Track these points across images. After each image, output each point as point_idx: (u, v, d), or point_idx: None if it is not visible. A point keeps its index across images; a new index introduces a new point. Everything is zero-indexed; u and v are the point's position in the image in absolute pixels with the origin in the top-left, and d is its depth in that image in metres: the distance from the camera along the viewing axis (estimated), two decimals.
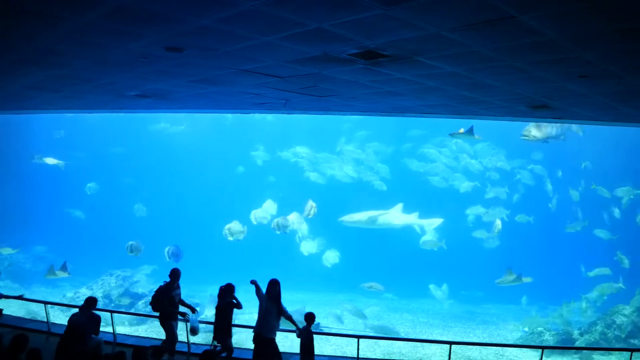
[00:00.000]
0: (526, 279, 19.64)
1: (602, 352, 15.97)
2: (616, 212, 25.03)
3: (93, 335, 9.51)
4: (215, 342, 9.98)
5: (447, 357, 10.48)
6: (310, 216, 23.02)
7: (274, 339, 9.43)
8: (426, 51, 6.30)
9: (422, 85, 8.27)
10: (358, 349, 11.33)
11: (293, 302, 24.91)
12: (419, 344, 16.32)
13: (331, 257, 26.09)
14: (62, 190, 32.69)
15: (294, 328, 9.58)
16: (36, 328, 12.34)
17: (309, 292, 26.79)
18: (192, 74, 8.26)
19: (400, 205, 23.55)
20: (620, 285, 20.32)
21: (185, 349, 11.06)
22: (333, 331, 17.56)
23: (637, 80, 7.23)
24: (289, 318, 9.47)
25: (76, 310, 10.12)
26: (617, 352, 15.53)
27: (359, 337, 11.53)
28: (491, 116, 11.36)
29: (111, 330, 12.78)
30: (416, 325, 21.34)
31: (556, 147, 22.54)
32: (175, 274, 10.37)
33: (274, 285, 9.46)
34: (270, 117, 33.45)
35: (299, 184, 31.24)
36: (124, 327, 17.40)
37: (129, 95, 10.82)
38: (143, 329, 18.49)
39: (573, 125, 18.95)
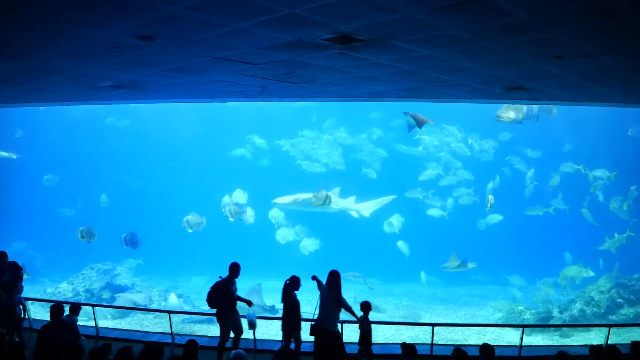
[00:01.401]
0: (471, 265, 20.17)
1: (581, 328, 16.28)
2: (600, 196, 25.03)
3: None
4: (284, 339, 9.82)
5: (430, 339, 10.58)
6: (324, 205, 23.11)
7: (339, 332, 9.35)
8: (401, 35, 6.28)
9: (398, 69, 8.26)
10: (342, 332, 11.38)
11: (273, 289, 25.06)
12: (402, 327, 16.46)
13: (309, 244, 26.12)
14: (37, 186, 32.23)
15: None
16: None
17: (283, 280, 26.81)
18: (165, 62, 8.13)
19: (337, 190, 22.77)
20: (588, 271, 20.42)
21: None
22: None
23: (609, 59, 7.31)
24: (349, 309, 9.36)
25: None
26: (595, 328, 15.85)
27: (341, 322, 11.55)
28: (468, 99, 11.41)
29: (93, 324, 12.69)
30: (399, 309, 21.51)
31: (526, 128, 22.43)
32: (235, 269, 9.96)
33: (334, 276, 9.34)
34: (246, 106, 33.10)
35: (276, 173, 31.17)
36: (107, 321, 17.25)
37: (102, 87, 10.63)
38: (126, 322, 18.36)
39: (544, 106, 19.03)
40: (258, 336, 11.13)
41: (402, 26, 5.89)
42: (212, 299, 9.98)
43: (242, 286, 26.39)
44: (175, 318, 16.49)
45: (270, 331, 15.25)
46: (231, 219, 23.03)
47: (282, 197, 22.06)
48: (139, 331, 14.75)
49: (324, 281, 9.51)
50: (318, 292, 9.54)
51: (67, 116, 33.09)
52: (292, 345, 9.81)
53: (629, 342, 7.96)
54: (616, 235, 21.77)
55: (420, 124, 15.81)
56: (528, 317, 18.14)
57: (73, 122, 33.79)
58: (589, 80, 8.96)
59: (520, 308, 18.73)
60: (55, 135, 34.72)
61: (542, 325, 16.87)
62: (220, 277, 10.01)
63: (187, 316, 17.78)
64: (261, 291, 20.24)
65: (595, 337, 14.94)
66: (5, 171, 31.49)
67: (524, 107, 17.71)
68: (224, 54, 7.46)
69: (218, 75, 9.25)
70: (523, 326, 12.52)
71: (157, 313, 18.39)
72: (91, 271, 22.94)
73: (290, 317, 9.71)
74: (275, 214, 26.06)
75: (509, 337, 15.47)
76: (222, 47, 7.04)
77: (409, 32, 6.16)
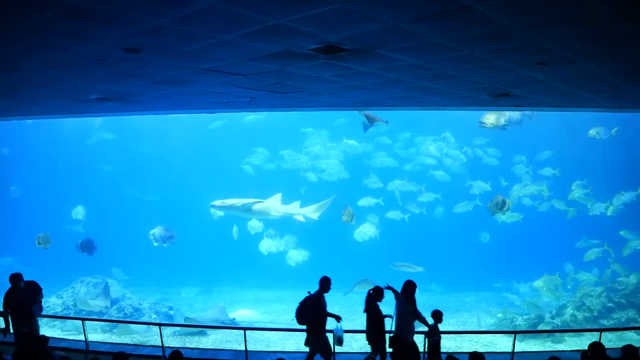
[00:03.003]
0: (419, 268, 20.56)
1: (573, 333, 16.33)
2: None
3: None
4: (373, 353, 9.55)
5: (423, 347, 10.57)
6: (352, 222, 23.11)
7: (415, 342, 9.25)
8: (386, 44, 6.34)
9: (385, 78, 8.32)
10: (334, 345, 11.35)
11: (265, 300, 25.02)
12: None
13: (295, 255, 26.02)
14: (26, 200, 32.11)
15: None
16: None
17: (281, 290, 26.82)
18: (153, 74, 8.13)
19: (278, 195, 22.04)
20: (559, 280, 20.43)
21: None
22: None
23: (593, 64, 7.41)
24: (423, 319, 9.28)
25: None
26: (587, 332, 15.91)
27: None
28: (455, 106, 11.50)
29: (83, 338, 12.57)
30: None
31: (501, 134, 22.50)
32: (326, 284, 9.50)
33: (410, 286, 9.26)
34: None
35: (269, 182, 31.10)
36: (97, 334, 17.10)
37: (90, 99, 10.60)
38: (116, 334, 18.19)
39: (526, 112, 19.14)
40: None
41: (387, 35, 5.95)
42: (301, 315, 9.58)
43: (236, 297, 26.16)
44: (166, 331, 16.39)
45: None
46: (155, 244, 22.75)
47: (222, 200, 20.97)
48: (129, 344, 14.64)
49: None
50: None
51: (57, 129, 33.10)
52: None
53: (621, 347, 8.02)
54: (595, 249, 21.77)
55: (372, 122, 16.34)
56: (520, 322, 18.17)
57: (66, 134, 33.82)
58: (574, 86, 9.07)
59: (511, 315, 18.78)
60: (43, 148, 34.65)
61: (534, 331, 16.90)
62: (308, 292, 9.63)
63: (177, 329, 17.66)
64: (225, 310, 20.09)
65: (587, 342, 15.00)
66: None
67: (507, 113, 17.82)
68: (211, 65, 7.48)
69: (206, 87, 9.26)
70: (515, 332, 12.53)
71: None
72: (81, 284, 22.74)
73: (375, 328, 9.46)
74: (253, 224, 25.94)
75: (502, 344, 15.51)
76: (209, 59, 7.06)
77: (393, 41, 6.23)
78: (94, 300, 20.70)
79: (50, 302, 20.91)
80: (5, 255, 27.03)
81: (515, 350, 10.88)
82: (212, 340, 17.39)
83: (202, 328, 17.67)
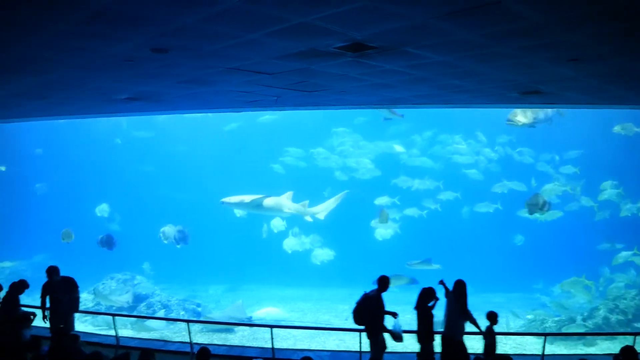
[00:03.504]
0: (435, 266, 20.40)
1: (605, 337, 15.93)
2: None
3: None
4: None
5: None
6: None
7: (463, 342, 9.21)
8: (413, 41, 6.25)
9: (412, 75, 8.22)
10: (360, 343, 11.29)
11: (291, 298, 25.06)
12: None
13: (321, 254, 26.03)
14: (59, 199, 32.85)
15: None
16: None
17: (307, 288, 26.88)
18: (179, 74, 8.19)
19: (289, 193, 22.00)
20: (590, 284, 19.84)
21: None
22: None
23: (626, 61, 7.18)
24: (474, 321, 9.20)
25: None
26: (620, 336, 15.50)
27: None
28: (483, 104, 11.32)
29: (114, 333, 12.78)
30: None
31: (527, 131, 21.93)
32: (385, 283, 9.46)
33: (461, 285, 9.24)
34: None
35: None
36: (127, 330, 17.37)
37: (119, 99, 10.75)
38: (146, 330, 18.44)
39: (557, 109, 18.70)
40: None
41: (415, 32, 5.86)
42: (359, 314, 9.49)
43: (262, 295, 26.41)
44: (194, 327, 16.52)
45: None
46: (165, 242, 22.90)
47: (231, 197, 21.22)
48: (158, 340, 14.81)
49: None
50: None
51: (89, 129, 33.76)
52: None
53: None
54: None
55: (389, 114, 17.73)
56: (550, 324, 17.83)
57: (96, 134, 34.46)
58: (607, 83, 8.82)
59: (541, 317, 18.44)
60: (76, 149, 35.37)
61: (565, 334, 16.56)
62: (365, 292, 9.55)
63: (205, 325, 17.81)
64: (243, 308, 20.16)
65: (620, 346, 14.63)
66: (23, 185, 32.25)
67: (537, 110, 17.40)
68: (237, 65, 7.49)
69: (232, 86, 9.29)
70: (545, 334, 12.29)
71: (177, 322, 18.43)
72: (111, 281, 23.17)
73: (425, 327, 9.39)
74: (276, 223, 26.04)
75: (531, 346, 15.23)
76: (235, 58, 7.07)
77: (421, 38, 6.13)
78: (115, 296, 21.11)
79: (82, 298, 21.31)
80: (39, 252, 27.66)
81: (545, 353, 10.65)
82: (239, 337, 17.53)
83: (229, 325, 17.80)
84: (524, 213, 20.88)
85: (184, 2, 4.80)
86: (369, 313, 9.39)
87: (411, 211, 27.39)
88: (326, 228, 27.50)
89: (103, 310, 19.66)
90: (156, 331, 17.61)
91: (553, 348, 15.21)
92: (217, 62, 7.31)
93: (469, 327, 9.31)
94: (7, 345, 8.52)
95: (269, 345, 11.50)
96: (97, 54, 6.74)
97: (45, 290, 10.89)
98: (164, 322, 18.77)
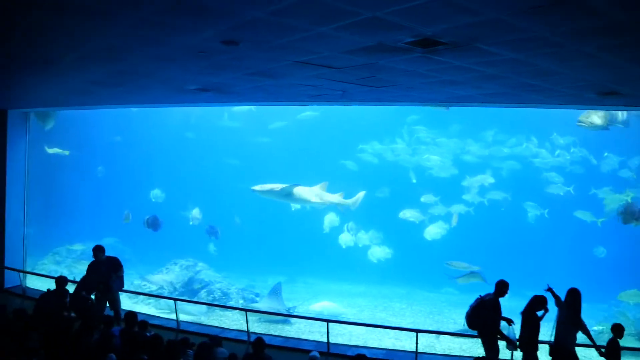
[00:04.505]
0: (474, 268, 20.14)
1: None
2: None
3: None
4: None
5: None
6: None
7: (575, 353, 9.05)
8: (485, 37, 6.06)
9: (481, 73, 7.99)
10: (417, 344, 11.19)
11: (349, 294, 25.06)
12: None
13: (378, 252, 25.89)
14: (129, 186, 34.19)
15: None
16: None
17: (366, 285, 26.82)
18: (248, 66, 8.32)
19: (324, 184, 21.51)
20: None
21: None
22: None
23: None
24: (588, 333, 8.93)
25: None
26: None
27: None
28: (556, 104, 10.88)
29: (175, 317, 13.21)
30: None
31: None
32: (503, 287, 9.27)
33: (575, 293, 8.95)
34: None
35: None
36: (187, 316, 17.94)
37: (189, 89, 11.06)
38: (206, 316, 18.99)
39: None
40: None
41: (487, 28, 5.68)
42: (474, 319, 9.39)
43: (320, 288, 26.58)
44: (252, 317, 16.86)
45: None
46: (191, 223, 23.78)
47: (263, 185, 20.90)
48: (217, 327, 15.22)
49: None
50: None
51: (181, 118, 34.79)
52: None
53: None
54: None
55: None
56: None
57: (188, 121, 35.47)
58: None
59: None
60: (153, 138, 36.61)
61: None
62: (480, 295, 9.46)
63: (263, 315, 18.11)
64: (281, 291, 20.09)
65: None
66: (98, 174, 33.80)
67: (611, 111, 16.42)
68: (305, 58, 7.53)
69: (299, 79, 9.35)
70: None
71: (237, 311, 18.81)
72: (174, 266, 23.95)
73: (530, 334, 9.15)
74: (331, 217, 26.05)
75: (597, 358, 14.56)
76: (303, 51, 7.10)
77: (493, 34, 5.93)
78: (158, 277, 21.99)
79: (147, 280, 22.22)
80: (109, 235, 28.94)
81: None
82: (295, 330, 17.72)
83: (286, 317, 18.04)
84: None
85: None
86: (485, 317, 9.21)
87: (458, 208, 26.82)
88: (385, 224, 27.36)
89: (166, 294, 20.36)
90: (192, 315, 18.09)
91: None
92: (285, 55, 7.37)
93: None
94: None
95: (324, 340, 11.57)
96: (168, 45, 6.95)
97: (91, 268, 11.43)
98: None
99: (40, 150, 26.28)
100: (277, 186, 20.58)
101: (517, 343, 9.20)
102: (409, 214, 26.48)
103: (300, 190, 20.90)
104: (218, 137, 35.89)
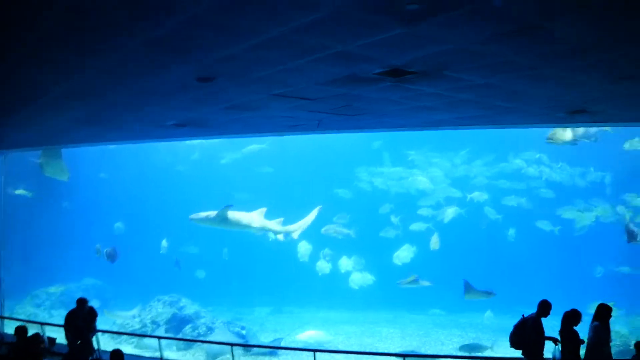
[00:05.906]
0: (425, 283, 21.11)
1: None
2: None
3: None
4: None
5: None
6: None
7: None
8: (454, 65, 6.25)
9: (454, 98, 8.18)
10: None
11: (335, 321, 24.89)
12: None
13: (358, 279, 25.74)
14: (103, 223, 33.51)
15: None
16: None
17: (352, 311, 26.67)
18: (226, 100, 8.42)
19: (263, 210, 21.15)
20: None
21: None
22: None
23: None
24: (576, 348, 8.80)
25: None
26: None
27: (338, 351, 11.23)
28: (529, 124, 11.15)
29: (159, 355, 12.99)
30: (466, 342, 20.82)
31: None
32: (546, 307, 9.12)
33: (606, 309, 8.71)
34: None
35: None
36: (172, 352, 17.61)
37: (167, 125, 11.10)
38: (190, 353, 18.67)
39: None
40: None
41: (455, 56, 5.86)
42: (517, 339, 9.25)
43: (306, 318, 26.23)
44: (238, 351, 16.63)
45: None
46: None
47: (199, 213, 20.31)
48: None
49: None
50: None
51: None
52: None
53: None
54: None
55: None
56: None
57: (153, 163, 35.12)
58: None
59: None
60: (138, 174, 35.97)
61: None
62: (523, 315, 9.38)
63: (249, 348, 17.89)
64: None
65: None
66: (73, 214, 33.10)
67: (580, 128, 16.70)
68: (281, 91, 7.66)
69: (276, 111, 9.46)
70: None
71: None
72: (157, 303, 23.51)
73: (572, 352, 8.95)
74: (305, 246, 25.91)
75: None
76: (279, 84, 7.24)
77: (463, 61, 6.12)
78: (122, 312, 21.66)
79: (129, 320, 21.78)
80: (88, 275, 28.45)
81: None
82: None
83: (272, 349, 17.83)
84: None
85: (231, 32, 4.97)
86: (528, 337, 9.12)
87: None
88: (364, 249, 27.28)
89: (149, 333, 19.99)
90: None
91: None
92: (261, 88, 7.49)
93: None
94: None
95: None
96: (148, 82, 7.05)
97: (70, 317, 11.29)
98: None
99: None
100: (212, 213, 20.08)
101: None
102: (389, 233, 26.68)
103: (236, 215, 20.43)
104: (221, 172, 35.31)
